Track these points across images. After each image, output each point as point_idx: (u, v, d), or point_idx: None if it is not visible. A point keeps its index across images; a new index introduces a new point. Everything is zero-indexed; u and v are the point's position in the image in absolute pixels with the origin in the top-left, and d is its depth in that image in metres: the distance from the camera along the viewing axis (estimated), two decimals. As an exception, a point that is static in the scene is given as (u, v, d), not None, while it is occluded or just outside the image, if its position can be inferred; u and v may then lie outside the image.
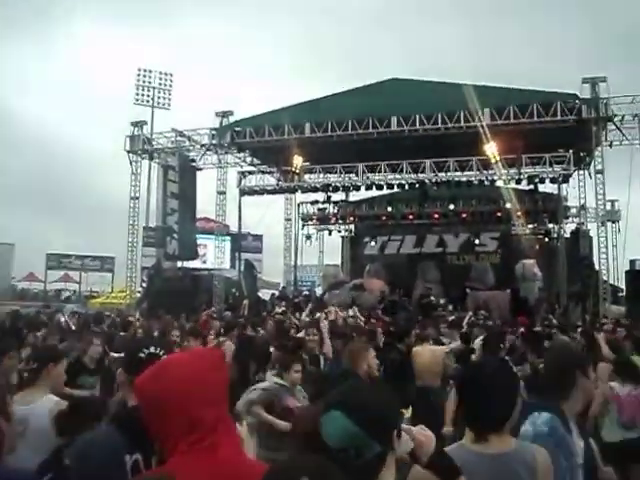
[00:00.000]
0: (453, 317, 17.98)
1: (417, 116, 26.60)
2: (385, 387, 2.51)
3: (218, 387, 2.17)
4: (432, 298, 26.57)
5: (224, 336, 11.29)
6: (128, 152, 32.01)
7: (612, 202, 31.31)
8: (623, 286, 27.97)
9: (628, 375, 7.01)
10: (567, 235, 31.10)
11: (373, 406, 2.08)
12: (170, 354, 2.68)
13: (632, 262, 27.27)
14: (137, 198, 32.57)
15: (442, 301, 26.61)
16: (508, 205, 29.75)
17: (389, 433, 2.07)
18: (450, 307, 25.28)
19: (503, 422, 2.79)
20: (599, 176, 25.80)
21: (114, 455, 2.62)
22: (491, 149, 26.02)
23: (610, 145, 26.45)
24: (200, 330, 10.95)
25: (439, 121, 26.45)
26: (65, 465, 2.60)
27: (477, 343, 9.06)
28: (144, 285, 32.18)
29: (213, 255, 36.22)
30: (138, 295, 32.29)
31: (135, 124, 32.20)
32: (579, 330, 14.53)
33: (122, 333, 11.78)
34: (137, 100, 42.12)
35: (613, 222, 31.14)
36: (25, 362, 4.99)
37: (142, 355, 2.89)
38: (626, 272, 26.57)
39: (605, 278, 26.52)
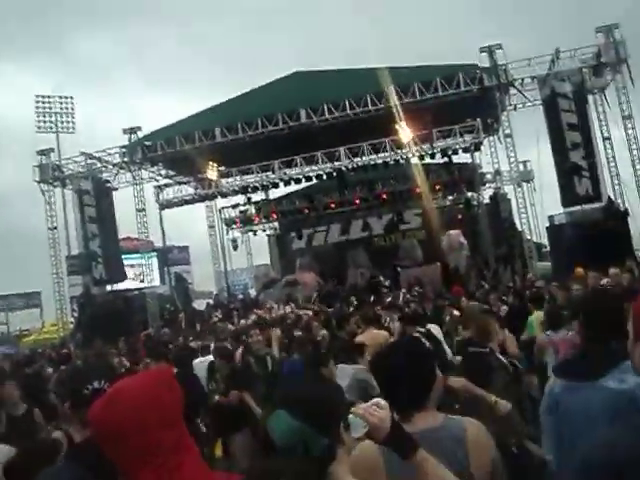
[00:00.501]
0: (389, 299, 18.25)
1: (325, 105, 26.74)
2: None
3: (173, 407, 2.15)
4: (381, 279, 26.83)
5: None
6: (38, 182, 31.20)
7: (524, 163, 32.11)
8: (546, 242, 28.71)
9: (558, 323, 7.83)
10: (487, 201, 31.75)
11: (315, 401, 2.11)
12: (117, 381, 2.63)
13: (551, 217, 27.92)
14: (55, 228, 31.82)
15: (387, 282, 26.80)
16: (423, 181, 30.15)
17: (335, 426, 2.10)
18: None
19: (422, 399, 2.78)
20: (508, 140, 26.52)
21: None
22: (401, 128, 26.34)
23: (514, 109, 27.22)
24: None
25: (347, 107, 26.63)
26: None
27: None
28: (75, 315, 31.52)
29: (142, 274, 35.82)
30: (71, 326, 31.62)
31: (41, 152, 31.37)
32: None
33: (62, 367, 11.48)
34: (39, 128, 41.03)
35: (528, 182, 31.92)
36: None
37: (86, 392, 2.83)
38: (547, 228, 27.26)
39: (528, 237, 27.24)
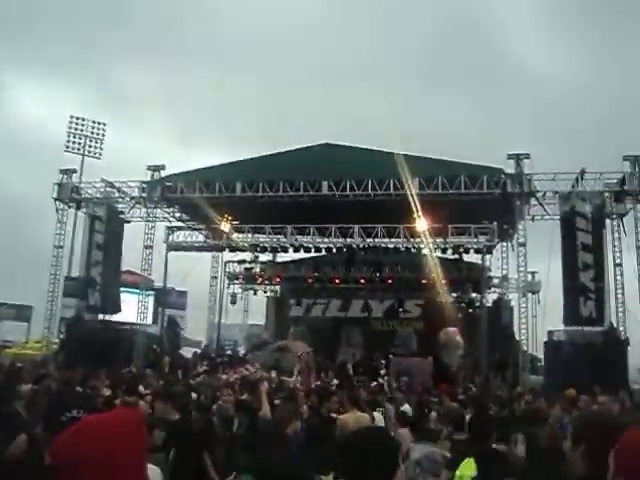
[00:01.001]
0: (375, 383, 18.09)
1: (348, 181, 26.96)
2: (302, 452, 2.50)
3: (136, 451, 2.13)
4: (349, 369, 26.36)
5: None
6: (55, 200, 31.43)
7: (532, 274, 32.05)
8: (542, 356, 28.48)
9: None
10: (489, 304, 31.69)
11: (281, 471, 2.09)
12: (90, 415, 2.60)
13: (550, 333, 27.80)
14: (61, 247, 31.88)
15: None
16: (433, 273, 30.18)
17: None
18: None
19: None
20: (521, 248, 26.59)
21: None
22: (418, 217, 26.51)
23: (532, 219, 27.30)
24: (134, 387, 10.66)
25: (369, 187, 26.85)
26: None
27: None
28: (62, 336, 31.29)
29: (136, 310, 35.62)
30: (55, 347, 31.37)
31: (64, 172, 31.69)
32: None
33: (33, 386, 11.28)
34: (68, 147, 41.61)
35: (533, 293, 31.83)
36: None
37: (64, 419, 2.81)
38: (545, 343, 27.09)
39: (525, 348, 27.06)
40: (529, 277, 29.89)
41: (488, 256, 29.96)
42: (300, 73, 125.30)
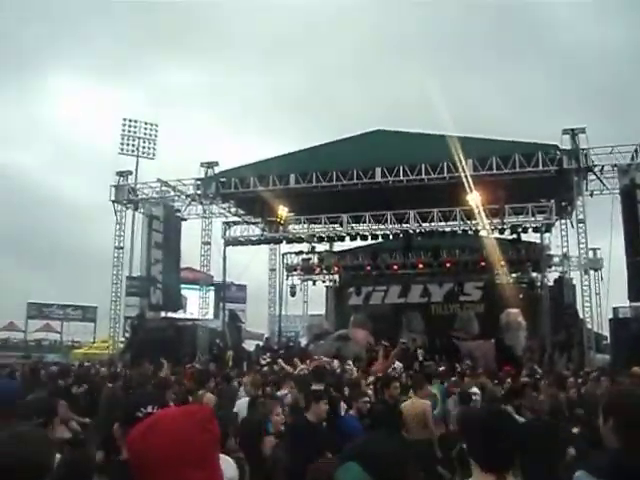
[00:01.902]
0: (442, 368, 18.02)
1: (401, 167, 26.83)
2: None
3: (207, 447, 2.15)
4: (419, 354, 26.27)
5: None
6: (113, 202, 32.02)
7: (594, 250, 31.57)
8: (607, 334, 28.01)
9: None
10: (550, 284, 31.24)
11: (387, 458, 2.10)
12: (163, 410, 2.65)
13: (615, 310, 27.35)
14: (121, 248, 32.49)
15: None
16: (491, 255, 29.88)
17: None
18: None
19: (513, 461, 2.86)
20: (581, 225, 26.12)
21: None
22: (474, 199, 26.24)
23: (591, 195, 26.80)
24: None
25: (423, 172, 26.68)
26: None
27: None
28: (127, 335, 31.90)
29: (197, 306, 36.09)
30: (121, 345, 32.01)
31: (120, 174, 32.25)
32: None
33: (109, 384, 11.61)
34: (122, 150, 42.24)
35: (595, 270, 31.31)
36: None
37: (139, 414, 2.87)
38: (610, 320, 26.65)
39: (589, 326, 26.62)
40: (590, 254, 29.41)
41: (547, 234, 29.52)
42: (347, 60, 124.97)
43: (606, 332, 28.31)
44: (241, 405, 9.73)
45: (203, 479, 2.08)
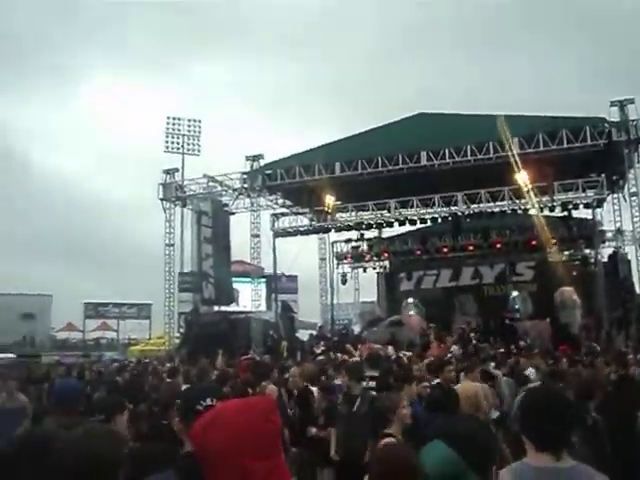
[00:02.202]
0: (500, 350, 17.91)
1: (446, 149, 26.67)
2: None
3: (269, 438, 2.19)
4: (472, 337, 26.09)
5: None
6: (161, 200, 32.40)
7: (648, 224, 30.90)
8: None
9: None
10: (604, 260, 30.74)
11: (475, 438, 2.14)
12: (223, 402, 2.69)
13: (673, 284, 26.79)
14: (172, 245, 32.89)
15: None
16: (542, 233, 29.49)
17: (488, 466, 2.12)
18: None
19: (567, 440, 2.91)
20: (634, 198, 25.67)
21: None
22: (522, 178, 25.93)
23: (643, 167, 26.28)
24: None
25: (468, 153, 26.48)
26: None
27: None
28: (182, 331, 32.29)
29: (250, 298, 36.34)
30: (176, 341, 32.43)
31: (167, 172, 32.62)
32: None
33: (169, 380, 11.78)
34: (167, 148, 42.52)
35: (651, 244, 30.71)
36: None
37: (199, 407, 2.92)
38: (668, 294, 26.19)
39: (646, 301, 26.16)
40: (645, 228, 28.83)
41: (599, 210, 29.00)
42: (375, 44, 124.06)
43: (664, 307, 27.80)
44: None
45: (268, 469, 2.12)
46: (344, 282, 35.73)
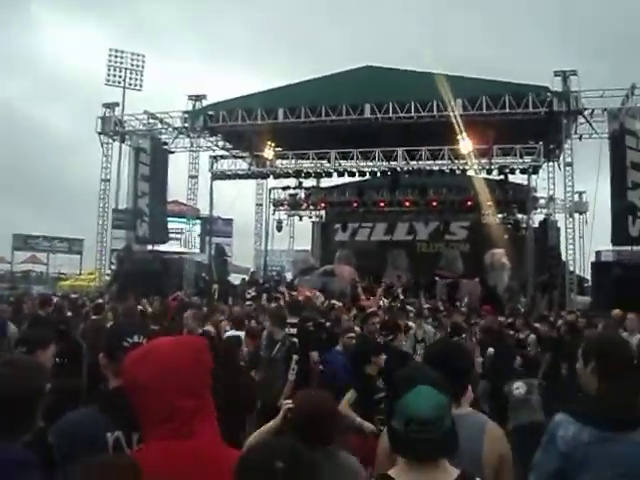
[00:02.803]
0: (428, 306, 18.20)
1: (390, 104, 26.64)
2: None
3: (199, 377, 2.22)
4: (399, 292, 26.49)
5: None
6: (99, 134, 31.72)
7: (580, 194, 31.59)
8: (589, 277, 28.29)
9: None
10: (535, 225, 31.41)
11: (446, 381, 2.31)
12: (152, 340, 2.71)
13: (598, 253, 27.49)
14: (108, 180, 32.34)
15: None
16: (478, 195, 29.93)
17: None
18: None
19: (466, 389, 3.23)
20: (568, 168, 26.21)
21: (95, 433, 2.69)
22: (463, 139, 26.18)
23: (580, 138, 26.75)
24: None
25: (412, 110, 26.52)
26: (49, 444, 2.65)
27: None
28: (113, 267, 31.98)
29: (183, 239, 36.15)
30: (107, 277, 32.12)
31: (107, 105, 31.87)
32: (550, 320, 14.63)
33: (94, 316, 11.72)
34: (108, 81, 41.60)
35: (580, 213, 31.44)
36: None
37: (126, 344, 2.93)
38: (592, 263, 26.85)
39: (572, 269, 26.89)
40: (576, 197, 29.51)
41: (534, 176, 29.46)
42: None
43: (588, 275, 28.62)
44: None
45: (195, 407, 2.16)
46: (279, 229, 35.73)
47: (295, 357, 8.14)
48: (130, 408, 2.23)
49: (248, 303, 18.63)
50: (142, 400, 2.15)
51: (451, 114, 25.50)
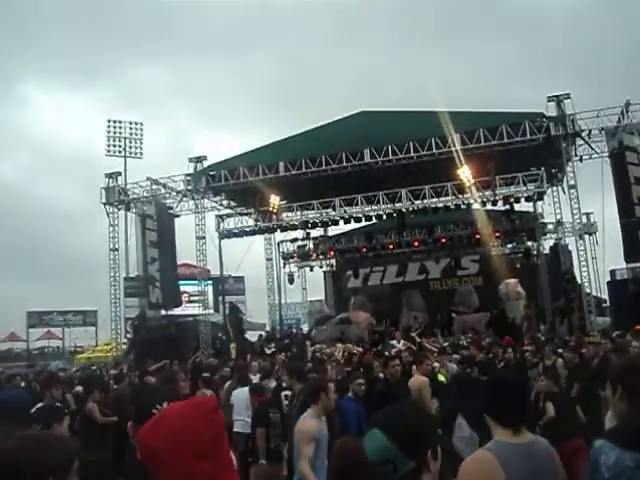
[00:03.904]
0: (447, 343, 18.13)
1: (389, 146, 26.76)
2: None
3: (212, 438, 2.18)
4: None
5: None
6: (104, 204, 31.95)
7: (587, 215, 31.58)
8: (606, 297, 28.13)
9: None
10: (546, 251, 31.32)
11: (408, 425, 2.21)
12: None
13: (612, 272, 27.45)
14: (116, 249, 32.43)
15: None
16: (485, 227, 29.91)
17: (422, 452, 2.18)
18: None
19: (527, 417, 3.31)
20: (572, 191, 26.12)
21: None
22: (464, 173, 26.24)
23: (580, 160, 26.74)
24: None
25: (411, 150, 26.62)
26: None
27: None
28: (129, 336, 31.93)
29: (197, 300, 36.15)
30: (124, 347, 32.05)
31: (109, 175, 32.15)
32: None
33: (115, 386, 11.69)
34: (109, 151, 42.03)
35: (590, 235, 31.32)
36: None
37: (155, 411, 2.89)
38: (608, 283, 26.77)
39: (588, 290, 26.73)
40: (584, 219, 29.42)
41: (540, 203, 29.53)
42: (317, 45, 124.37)
43: (605, 295, 28.46)
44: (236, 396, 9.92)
45: (210, 469, 2.12)
46: (291, 281, 35.76)
47: None
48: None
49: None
50: (157, 467, 2.12)
51: (451, 149, 25.65)
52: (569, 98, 25.62)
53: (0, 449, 2.40)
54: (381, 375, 10.49)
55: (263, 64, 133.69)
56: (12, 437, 2.52)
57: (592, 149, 26.34)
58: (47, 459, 2.42)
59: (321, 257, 36.90)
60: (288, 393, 8.94)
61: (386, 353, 16.51)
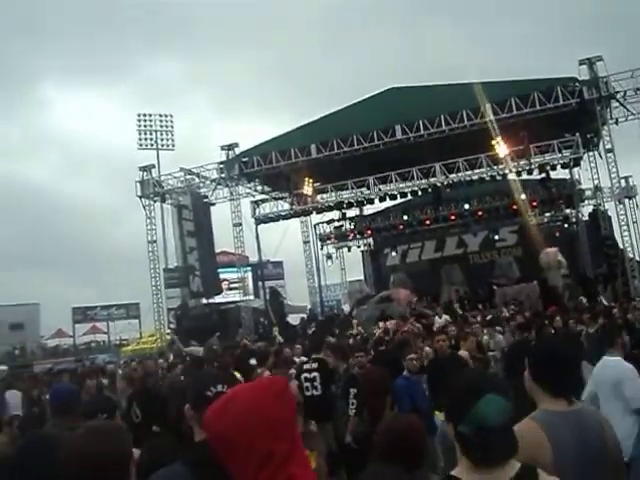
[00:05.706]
0: (490, 316, 18.03)
1: (420, 121, 26.62)
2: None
3: (285, 419, 2.17)
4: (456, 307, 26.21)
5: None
6: (140, 197, 32.22)
7: (626, 178, 30.96)
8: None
9: None
10: (585, 218, 30.90)
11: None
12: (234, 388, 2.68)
13: (656, 234, 26.95)
14: (154, 241, 32.71)
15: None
16: (522, 197, 29.56)
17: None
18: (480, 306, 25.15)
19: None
20: (610, 155, 25.72)
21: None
22: (498, 144, 25.97)
23: (616, 122, 26.30)
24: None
25: (442, 123, 26.45)
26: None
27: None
28: (172, 326, 32.22)
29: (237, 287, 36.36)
30: (168, 337, 32.35)
31: (143, 169, 32.40)
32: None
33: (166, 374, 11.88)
34: (141, 145, 42.18)
35: (630, 198, 30.78)
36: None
37: (209, 393, 2.91)
38: (652, 246, 26.37)
39: (631, 255, 26.34)
40: (623, 183, 28.90)
41: (576, 169, 29.15)
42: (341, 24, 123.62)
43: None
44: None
45: (287, 450, 2.10)
46: (330, 260, 35.74)
47: (353, 390, 7.63)
48: (216, 461, 2.20)
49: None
50: (229, 452, 2.11)
51: (482, 121, 25.39)
52: (601, 60, 25.20)
53: (80, 440, 2.44)
54: (427, 349, 10.39)
55: (284, 47, 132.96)
56: (72, 429, 2.56)
57: (628, 110, 25.92)
58: (125, 449, 2.46)
59: (358, 237, 36.84)
60: (307, 375, 8.79)
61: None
